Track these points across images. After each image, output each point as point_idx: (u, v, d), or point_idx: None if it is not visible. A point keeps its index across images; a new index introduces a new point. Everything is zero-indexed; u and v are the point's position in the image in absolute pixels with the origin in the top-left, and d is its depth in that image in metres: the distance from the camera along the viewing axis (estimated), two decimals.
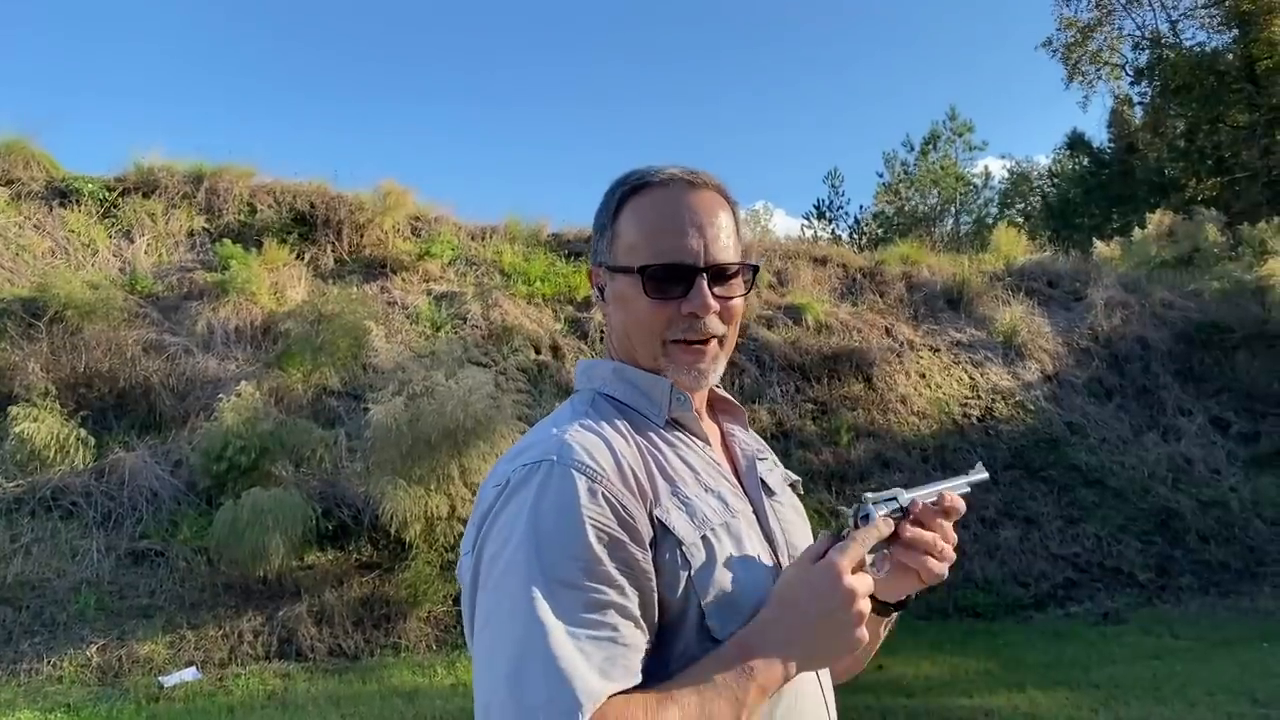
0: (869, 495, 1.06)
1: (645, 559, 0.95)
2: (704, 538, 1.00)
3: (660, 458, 1.05)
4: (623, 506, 0.95)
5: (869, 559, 1.02)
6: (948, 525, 1.09)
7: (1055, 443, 11.26)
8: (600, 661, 0.88)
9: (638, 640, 0.92)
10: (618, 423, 1.07)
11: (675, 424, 1.12)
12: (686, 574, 0.97)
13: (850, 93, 61.03)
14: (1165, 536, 10.17)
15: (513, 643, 0.89)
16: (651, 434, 1.08)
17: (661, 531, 0.98)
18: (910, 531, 1.06)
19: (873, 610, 1.00)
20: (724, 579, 0.98)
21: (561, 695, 0.85)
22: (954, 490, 1.13)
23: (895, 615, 1.17)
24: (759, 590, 0.99)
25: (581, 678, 0.86)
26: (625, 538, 0.94)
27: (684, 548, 0.98)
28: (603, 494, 0.95)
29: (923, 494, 1.10)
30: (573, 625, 0.89)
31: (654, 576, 0.96)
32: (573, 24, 63.37)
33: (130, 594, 7.04)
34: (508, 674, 0.88)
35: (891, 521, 1.04)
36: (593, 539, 0.92)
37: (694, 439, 1.12)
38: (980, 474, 1.23)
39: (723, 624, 0.96)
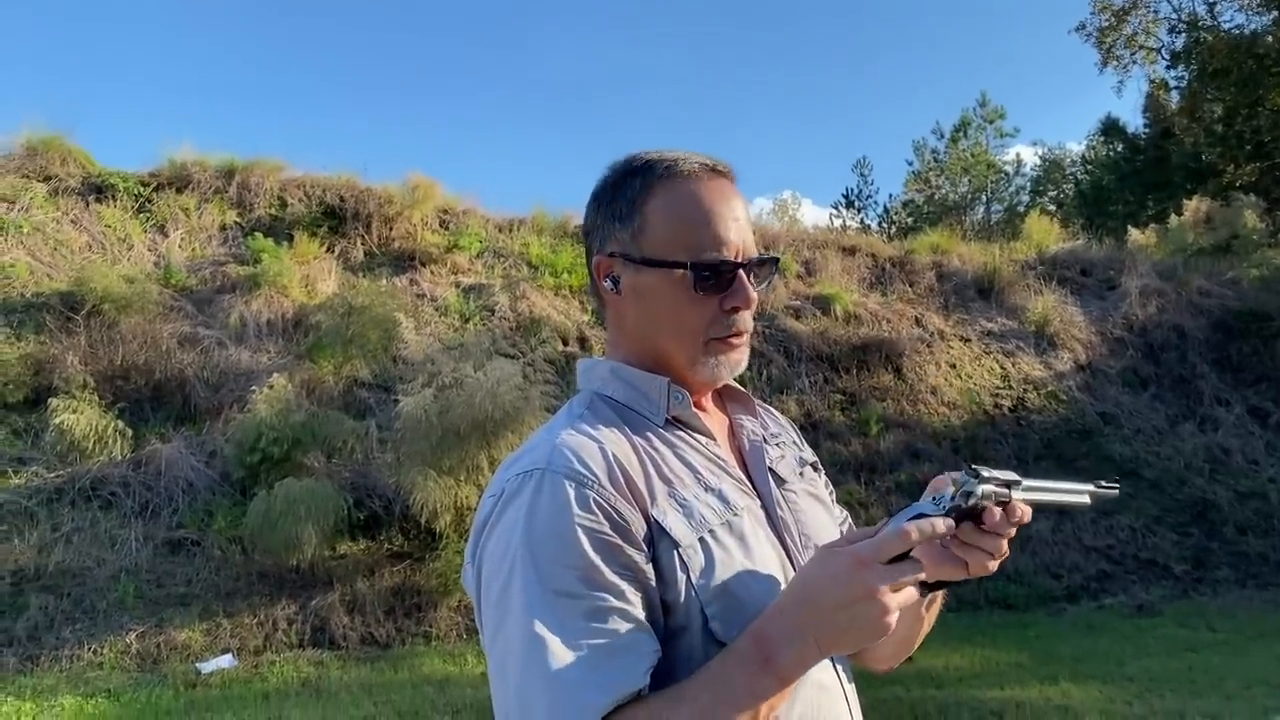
0: (985, 473, 0.97)
1: (644, 561, 0.94)
2: (701, 539, 0.97)
3: (658, 458, 1.03)
4: (616, 510, 0.94)
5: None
6: (1011, 530, 1.01)
7: (1088, 433, 11.12)
8: (604, 670, 0.86)
9: (643, 645, 0.90)
10: (615, 424, 1.05)
11: (676, 422, 1.09)
12: (685, 576, 0.95)
13: (880, 81, 60.52)
14: (1201, 528, 10.02)
15: (517, 657, 0.89)
16: (650, 434, 1.05)
17: (658, 533, 0.96)
18: (974, 535, 0.99)
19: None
20: (726, 581, 0.96)
21: (563, 709, 0.85)
22: (1078, 495, 1.10)
23: (940, 594, 1.12)
24: (763, 589, 0.97)
25: (583, 689, 0.85)
26: (621, 541, 0.92)
27: (681, 550, 0.95)
28: (594, 499, 0.93)
29: (1039, 495, 1.03)
30: (574, 635, 0.87)
31: (654, 578, 0.94)
32: (598, 13, 63.32)
33: (168, 582, 7.17)
34: (516, 690, 0.89)
35: (951, 523, 0.94)
36: (588, 546, 0.91)
37: (696, 435, 1.09)
38: (1111, 489, 1.16)
39: (727, 626, 0.94)
